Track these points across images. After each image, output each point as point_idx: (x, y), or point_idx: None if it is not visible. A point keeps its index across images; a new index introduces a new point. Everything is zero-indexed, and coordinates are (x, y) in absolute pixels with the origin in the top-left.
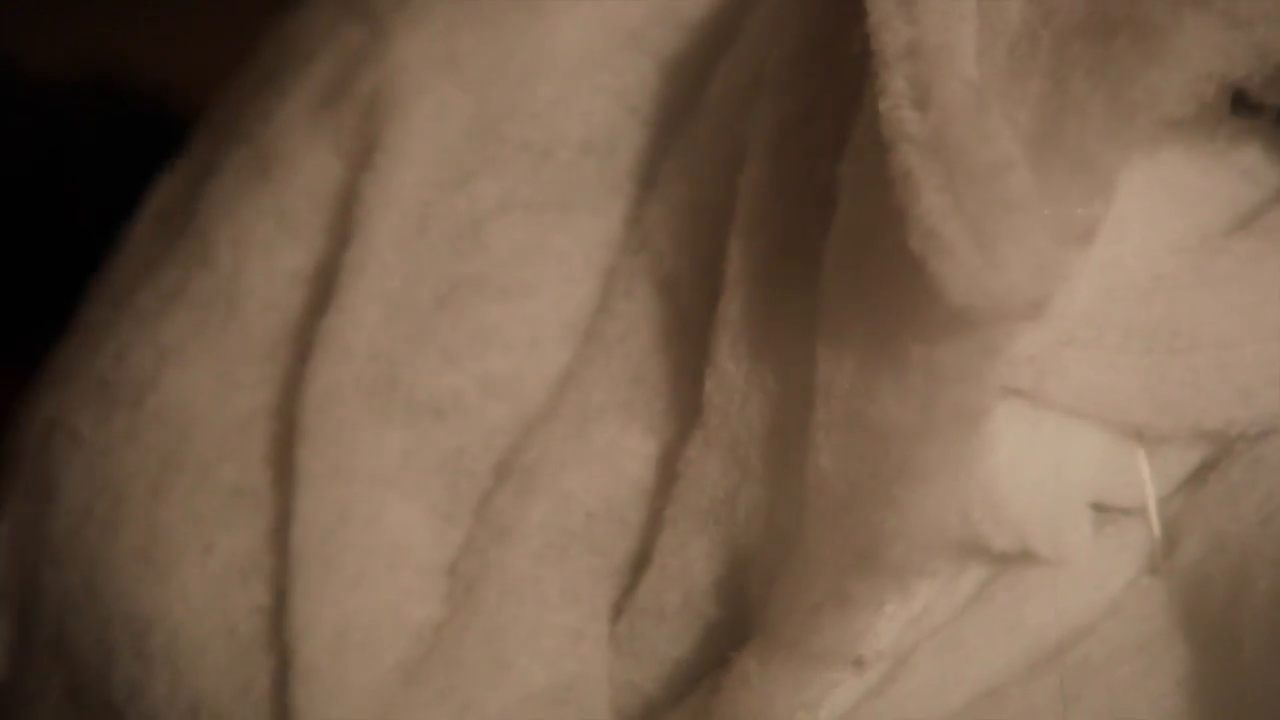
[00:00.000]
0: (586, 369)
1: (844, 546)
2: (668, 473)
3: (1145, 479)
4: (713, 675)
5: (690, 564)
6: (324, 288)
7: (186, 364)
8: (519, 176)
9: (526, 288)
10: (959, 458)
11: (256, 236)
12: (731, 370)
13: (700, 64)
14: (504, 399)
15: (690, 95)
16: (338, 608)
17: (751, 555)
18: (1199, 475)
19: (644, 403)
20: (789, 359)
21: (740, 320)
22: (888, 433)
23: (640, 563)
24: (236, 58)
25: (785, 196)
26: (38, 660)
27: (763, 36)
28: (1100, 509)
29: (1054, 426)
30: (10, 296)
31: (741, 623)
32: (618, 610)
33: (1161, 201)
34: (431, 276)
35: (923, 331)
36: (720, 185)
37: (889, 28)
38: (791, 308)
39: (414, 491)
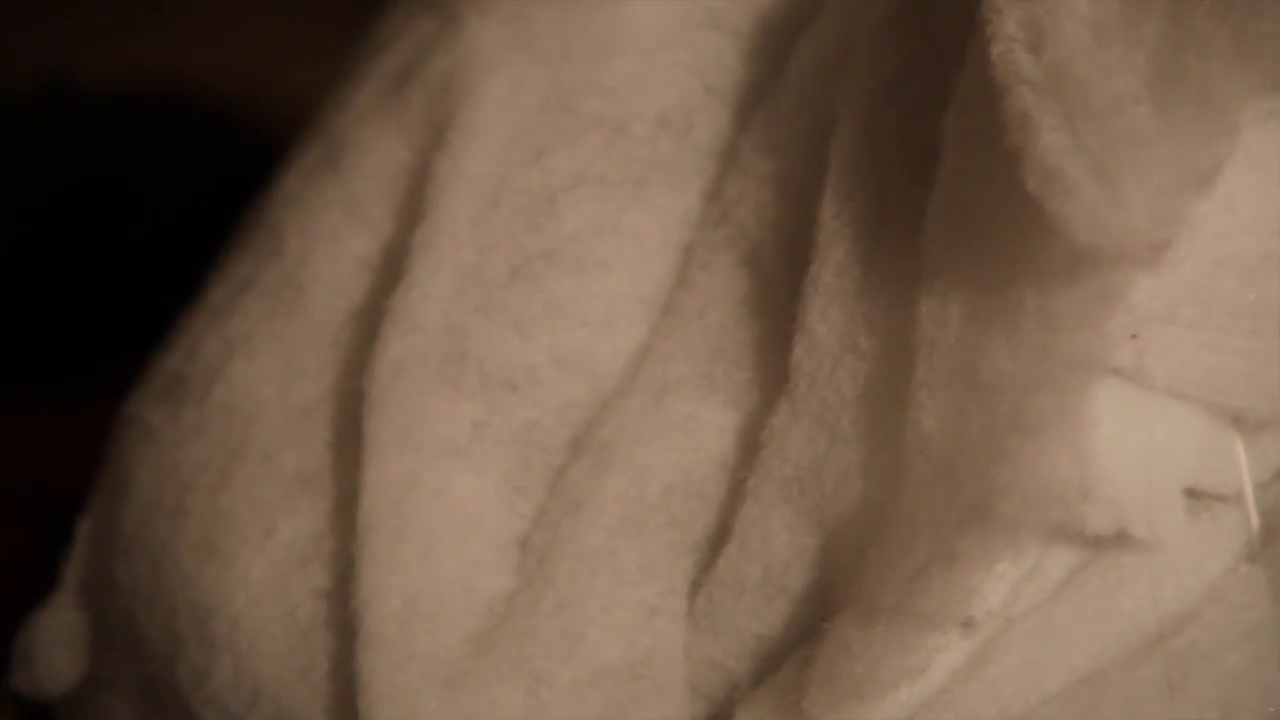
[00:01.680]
0: (664, 342)
1: (950, 505)
2: (749, 445)
3: (1242, 465)
4: (799, 650)
5: (772, 536)
6: (392, 270)
7: (253, 354)
8: (594, 151)
9: (601, 263)
10: (1075, 408)
11: (324, 225)
12: (823, 333)
13: (779, 42)
14: (578, 374)
15: (769, 73)
16: (406, 577)
17: (840, 524)
18: None
19: (724, 375)
20: (885, 320)
21: (833, 283)
22: (999, 385)
23: (719, 538)
24: (292, 63)
25: (882, 159)
26: (113, 652)
27: (848, 9)
28: (1195, 495)
29: (1153, 407)
30: (73, 306)
31: (824, 596)
32: (695, 586)
33: (1274, 177)
34: (504, 249)
35: (1038, 279)
36: (805, 157)
37: None
38: (888, 268)
39: (485, 463)
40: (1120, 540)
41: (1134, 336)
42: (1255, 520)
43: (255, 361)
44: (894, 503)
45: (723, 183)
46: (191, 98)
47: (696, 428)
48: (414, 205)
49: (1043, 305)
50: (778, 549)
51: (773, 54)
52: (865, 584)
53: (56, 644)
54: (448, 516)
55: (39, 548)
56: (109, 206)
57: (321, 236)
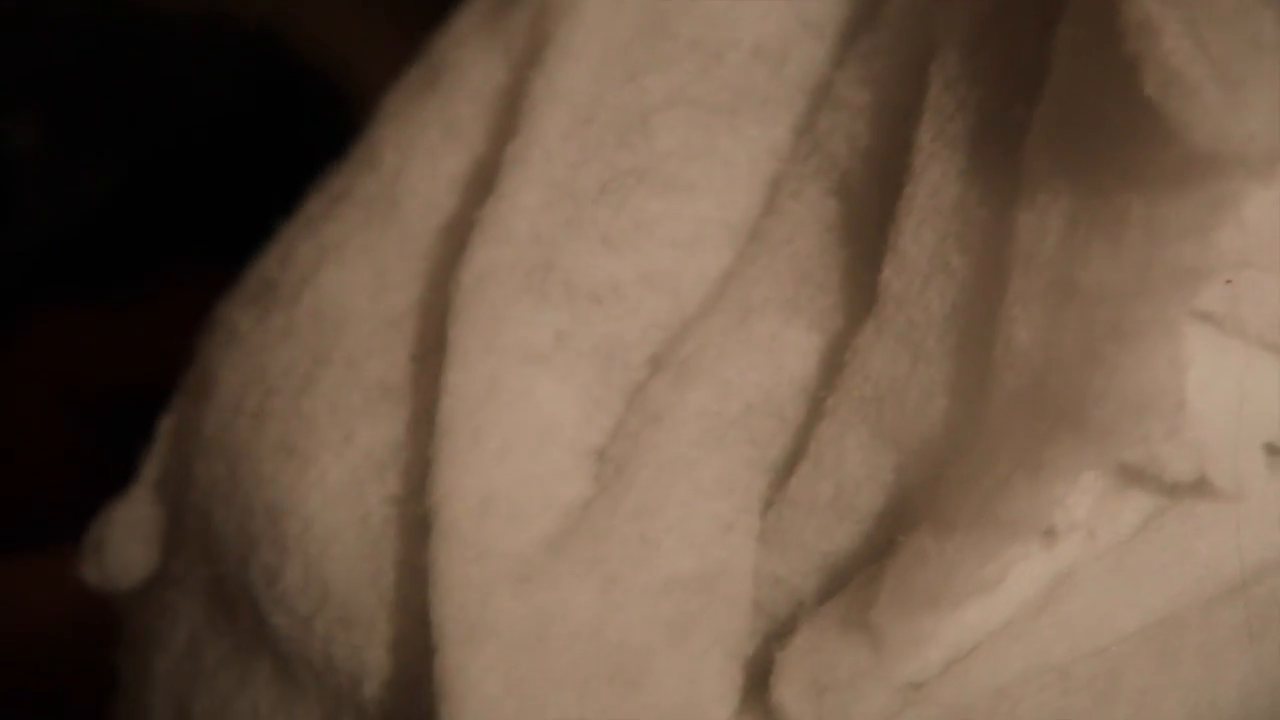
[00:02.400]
0: (749, 266)
1: (1039, 416)
2: (831, 369)
3: None
4: (867, 570)
5: (846, 455)
6: (484, 186)
7: (344, 262)
8: (689, 74)
9: (690, 185)
10: (1177, 318)
11: (422, 142)
12: (914, 253)
13: None
14: (662, 293)
15: (865, 10)
16: (483, 477)
17: (917, 445)
18: None
19: (809, 299)
20: (979, 238)
21: (928, 203)
22: (1098, 295)
23: (795, 460)
24: None
25: (984, 80)
26: (187, 550)
27: None
28: (1276, 450)
29: (1243, 356)
30: (135, 207)
31: (895, 519)
32: (767, 504)
33: None
34: (595, 165)
35: (1146, 187)
36: (902, 88)
37: None
38: (985, 187)
39: (566, 372)
40: (1199, 488)
41: (1229, 282)
42: None
43: (346, 270)
44: (976, 422)
45: (814, 117)
46: (243, 18)
47: (780, 348)
48: (509, 123)
49: (1149, 214)
50: (851, 468)
51: None
52: (942, 500)
53: (130, 537)
54: (527, 421)
55: (108, 447)
56: (169, 114)
57: (419, 153)
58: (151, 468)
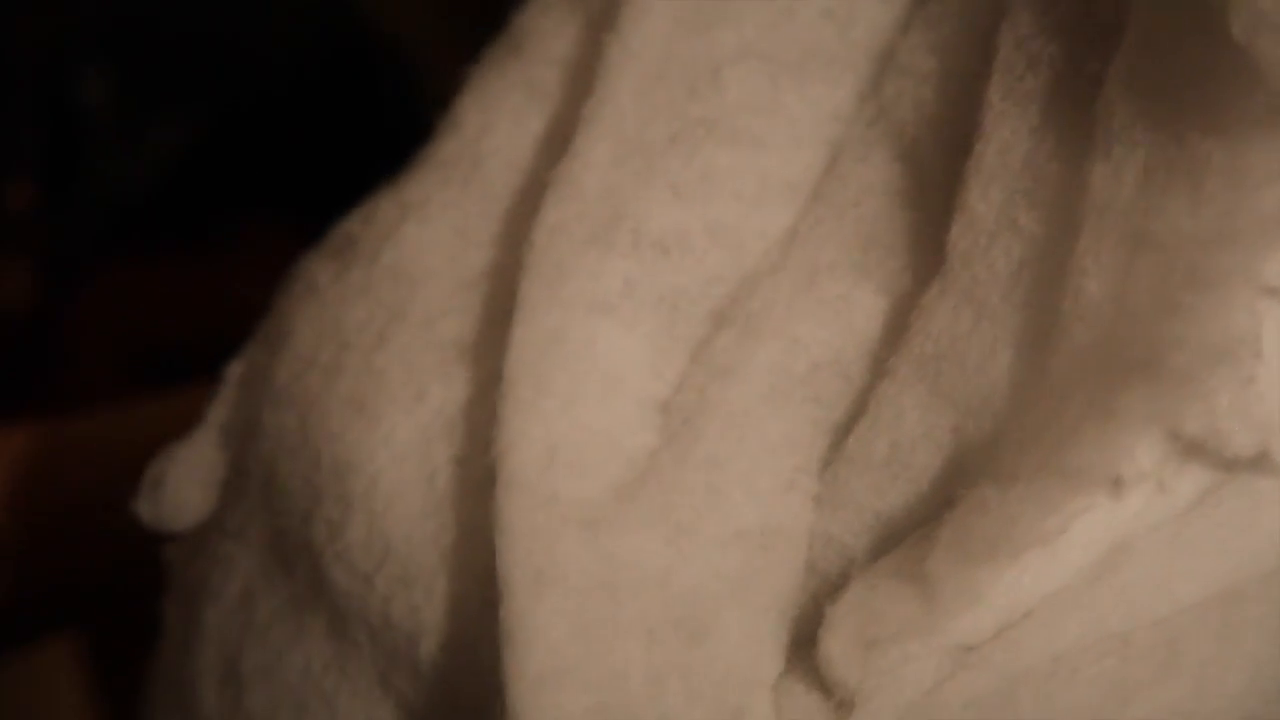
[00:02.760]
0: (814, 229)
1: (1110, 365)
2: (897, 331)
3: None
4: (921, 529)
5: (903, 413)
6: (563, 145)
7: (426, 220)
8: (759, 28)
9: (756, 139)
10: (1258, 266)
11: (505, 105)
12: (982, 211)
13: None
14: (725, 247)
15: None
16: (548, 426)
17: (977, 402)
18: None
19: (877, 262)
20: (1048, 194)
21: (997, 161)
22: (1175, 245)
23: (856, 421)
24: None
25: (1057, 38)
26: (247, 500)
27: None
28: None
29: None
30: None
31: (950, 480)
32: (825, 464)
33: None
34: (665, 115)
35: (1228, 133)
36: (970, 53)
37: None
38: (1055, 143)
39: (632, 322)
40: (1259, 463)
41: None
42: None
43: (427, 228)
44: (1039, 379)
45: (879, 82)
46: None
47: (849, 309)
48: (585, 83)
49: (1232, 161)
50: (908, 427)
51: None
52: (1005, 454)
53: (189, 478)
54: (592, 370)
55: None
56: (237, 70)
57: (502, 115)
58: (217, 412)
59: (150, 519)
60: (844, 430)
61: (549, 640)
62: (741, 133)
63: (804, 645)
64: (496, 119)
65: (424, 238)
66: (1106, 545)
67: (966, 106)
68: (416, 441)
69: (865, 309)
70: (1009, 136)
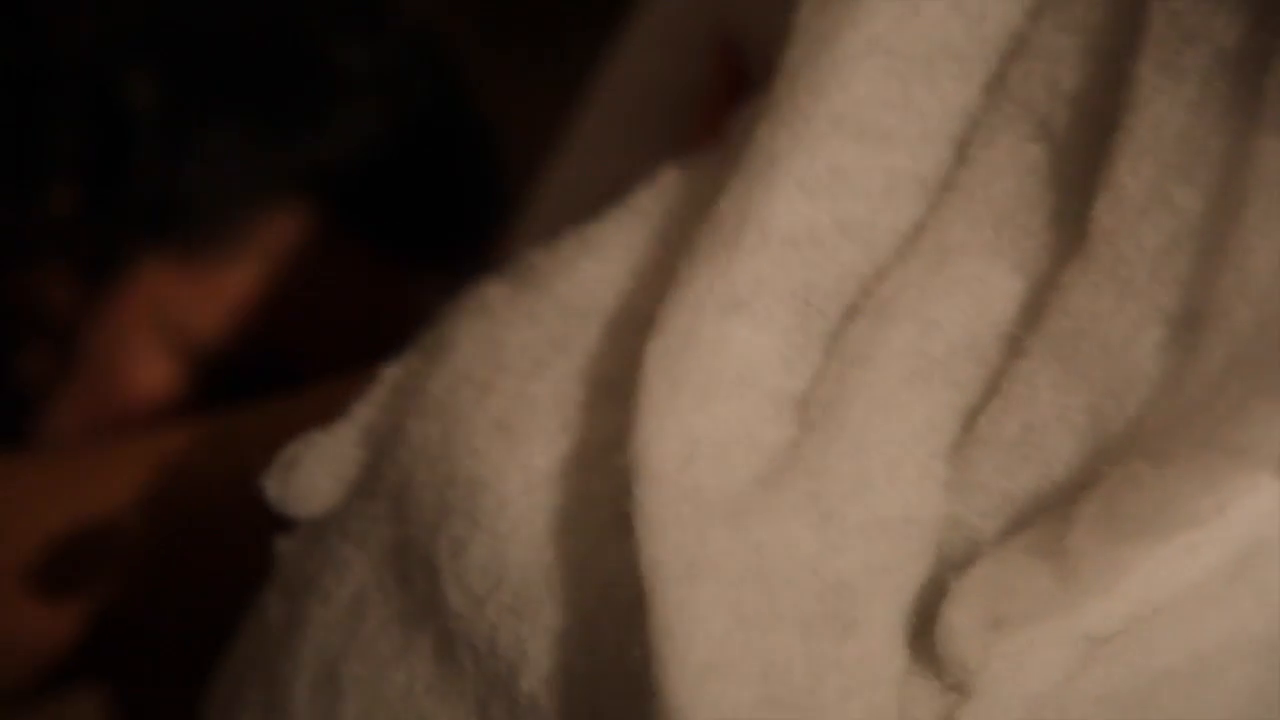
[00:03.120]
0: (943, 212)
1: (1278, 344)
2: (1034, 311)
3: None
4: (1054, 510)
5: (1037, 392)
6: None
7: (605, 259)
8: (886, 24)
9: (885, 135)
10: None
11: (702, 163)
12: (1131, 187)
13: None
14: (856, 242)
15: None
16: (685, 423)
17: (1119, 383)
18: None
19: (1010, 242)
20: (1206, 169)
21: (1149, 135)
22: None
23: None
24: None
25: (1218, 12)
26: (375, 505)
27: None
28: None
29: None
30: None
31: (1084, 462)
32: (954, 448)
33: None
34: (787, 113)
35: None
36: (1108, 31)
37: None
38: (1218, 117)
39: (765, 318)
40: None
41: None
42: None
43: (605, 266)
44: (1191, 360)
45: (1004, 70)
46: None
47: (983, 290)
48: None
49: None
50: (1041, 407)
51: None
52: (1157, 432)
53: (323, 467)
54: (725, 367)
55: (213, 399)
56: (281, 73)
57: (698, 174)
58: (364, 411)
59: (277, 498)
60: (977, 413)
61: (709, 632)
62: (868, 128)
63: (919, 632)
64: (690, 178)
65: (599, 275)
66: (1247, 541)
67: (1106, 83)
68: (553, 472)
69: (1000, 289)
70: (1164, 110)
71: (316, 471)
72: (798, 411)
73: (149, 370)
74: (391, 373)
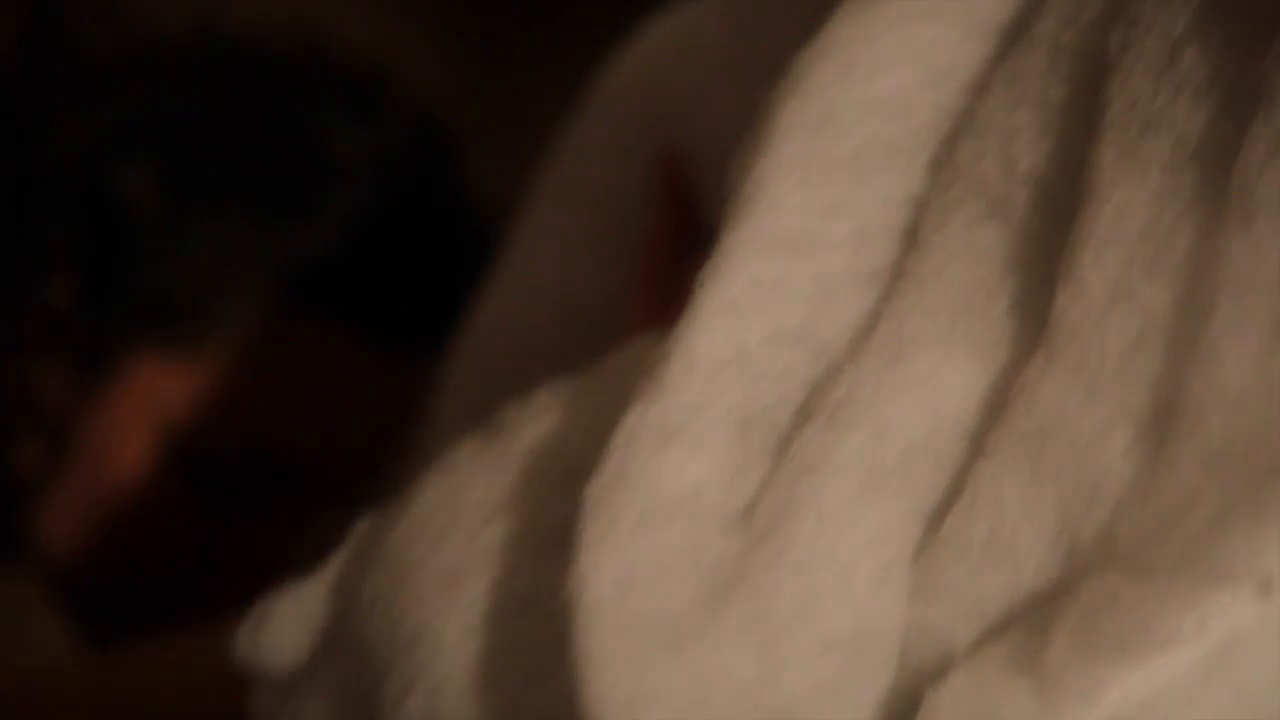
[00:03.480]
0: (898, 302)
1: (1257, 456)
2: (993, 407)
3: None
4: (1029, 615)
5: (1005, 494)
6: None
7: (573, 414)
8: (801, 140)
9: (808, 242)
10: None
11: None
12: (1094, 280)
13: (997, 18)
14: (796, 349)
15: (996, 47)
16: (622, 552)
17: (1088, 485)
18: None
19: (966, 332)
20: (1172, 264)
21: (1113, 226)
22: None
23: (951, 504)
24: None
25: (1180, 99)
26: (339, 657)
27: None
28: None
29: None
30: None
31: (1057, 563)
32: (919, 549)
33: None
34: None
35: None
36: (1064, 109)
37: None
38: (1182, 211)
39: (700, 442)
40: None
41: None
42: None
43: (572, 420)
44: (1164, 463)
45: (952, 146)
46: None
47: (938, 387)
48: None
49: None
50: (1009, 508)
51: (994, 31)
52: (1132, 543)
53: (292, 622)
54: (663, 495)
55: (205, 492)
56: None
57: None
58: (334, 565)
59: (246, 655)
60: (936, 516)
61: None
62: (788, 240)
63: None
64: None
65: (564, 428)
66: (1225, 640)
67: (1066, 164)
68: (489, 618)
69: (956, 385)
70: (1125, 201)
71: (286, 626)
72: (743, 524)
73: (142, 462)
74: (362, 526)
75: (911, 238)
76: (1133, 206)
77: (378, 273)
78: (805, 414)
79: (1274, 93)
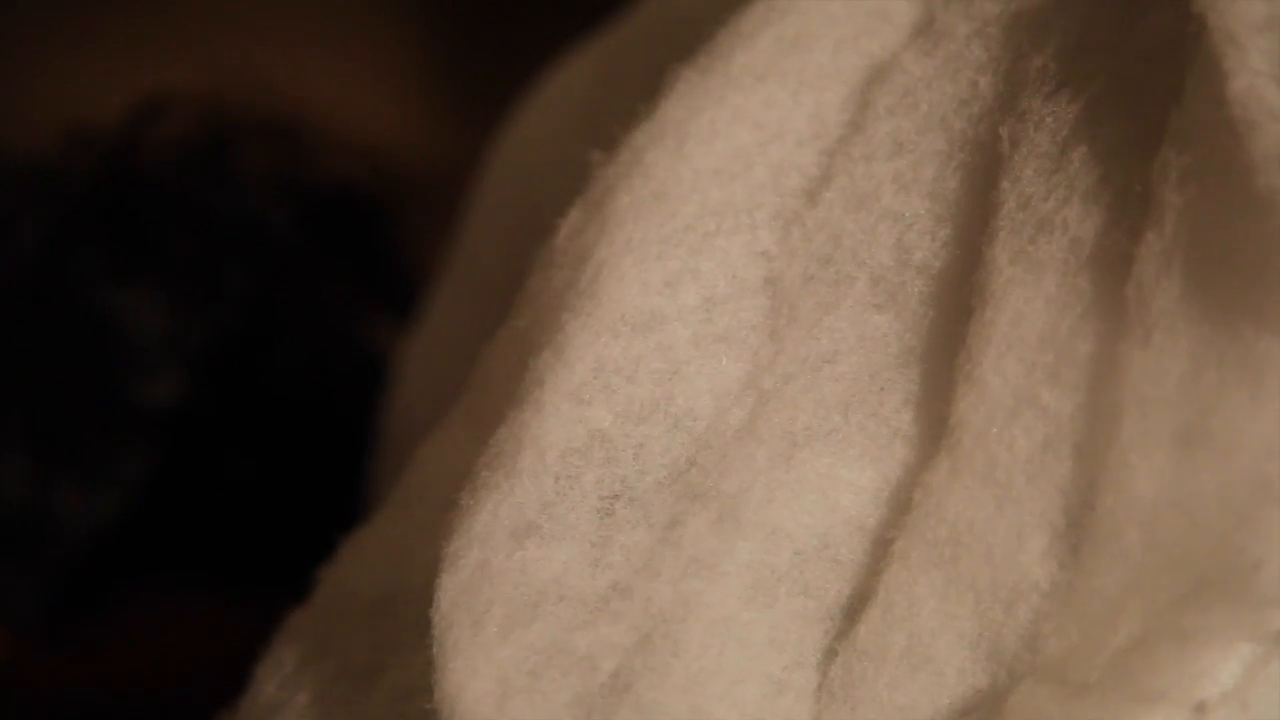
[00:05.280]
0: (785, 387)
1: (1174, 576)
2: (891, 505)
3: None
4: None
5: (919, 601)
6: None
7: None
8: (637, 225)
9: (652, 316)
10: None
11: None
12: (996, 385)
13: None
14: (649, 422)
15: (854, 115)
16: (492, 658)
17: (1007, 591)
18: None
19: (860, 428)
20: (1075, 373)
21: (1011, 332)
22: (1237, 446)
23: (854, 604)
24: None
25: (1071, 200)
26: None
27: (998, 42)
28: None
29: None
30: None
31: (978, 669)
32: (830, 654)
33: None
34: (540, 313)
35: None
36: (960, 198)
37: (1237, 2)
38: (1080, 319)
39: (560, 532)
40: None
41: None
42: None
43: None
44: (1082, 571)
45: (837, 216)
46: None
47: (833, 487)
48: None
49: None
50: (925, 617)
51: (836, 84)
52: (1057, 657)
53: None
54: (527, 591)
55: None
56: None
57: None
58: None
59: None
60: (838, 615)
61: None
62: (629, 319)
63: None
64: None
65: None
66: None
67: (961, 258)
68: None
69: (851, 484)
70: (1022, 306)
71: None
72: (620, 606)
73: None
74: None
75: (791, 303)
76: (1030, 311)
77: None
78: (686, 492)
79: (1163, 203)
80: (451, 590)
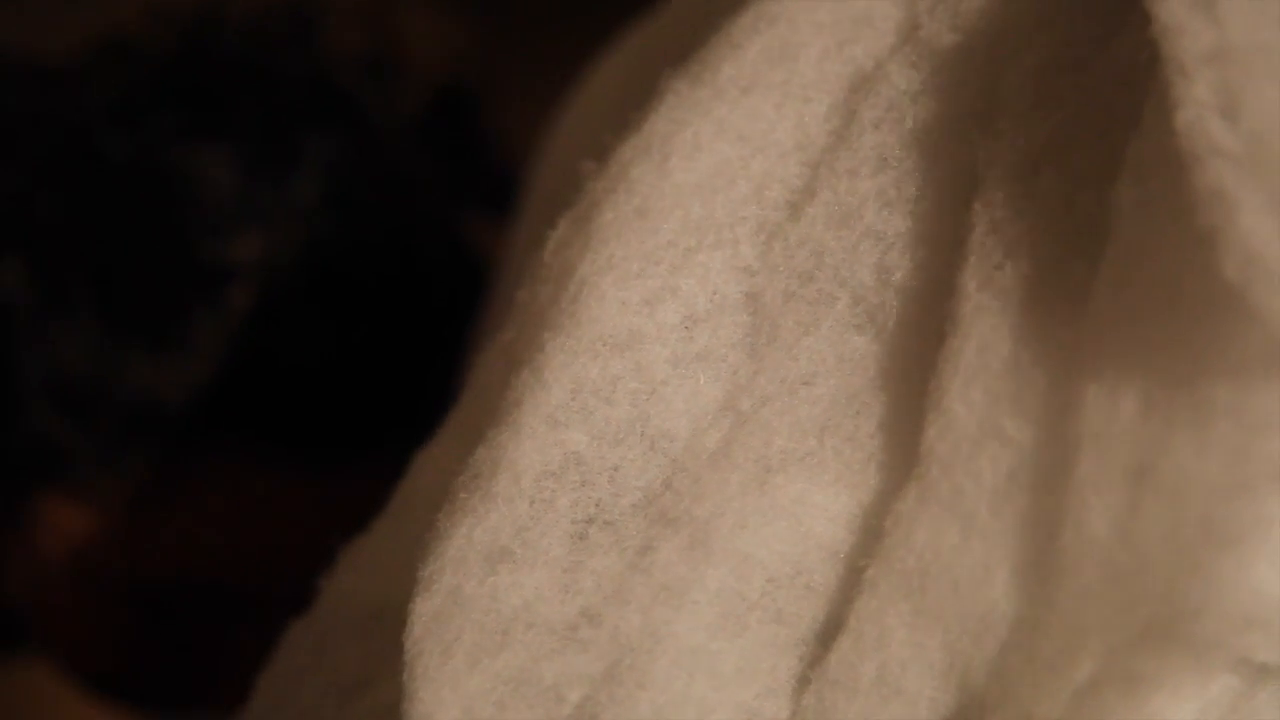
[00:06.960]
0: (761, 409)
1: (1125, 616)
2: (864, 531)
3: None
4: None
5: (889, 632)
6: None
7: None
8: (618, 245)
9: (631, 336)
10: (1275, 517)
11: None
12: (962, 415)
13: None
14: (624, 444)
15: (839, 125)
16: (463, 689)
17: (974, 622)
18: None
19: (834, 453)
20: (1037, 404)
21: (976, 360)
22: (1183, 488)
23: (827, 631)
24: None
25: (1036, 228)
26: None
27: (985, 59)
28: None
29: None
30: None
31: (947, 700)
32: (803, 681)
33: None
34: (529, 328)
35: (1231, 373)
36: (940, 217)
37: (1186, 32)
38: (1043, 348)
39: (533, 557)
40: None
41: None
42: None
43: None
44: (1046, 604)
45: (818, 234)
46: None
47: (806, 513)
48: None
49: (1237, 402)
50: (895, 647)
51: (820, 96)
52: (1017, 692)
53: None
54: (498, 618)
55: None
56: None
57: None
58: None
59: None
60: (811, 642)
61: None
62: (607, 338)
63: None
64: None
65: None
66: None
67: (937, 280)
68: None
69: (824, 510)
70: (989, 334)
71: None
72: (589, 634)
73: (67, 600)
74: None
75: (773, 321)
76: (997, 339)
77: (296, 386)
78: (659, 516)
79: (1117, 235)
80: (424, 616)
